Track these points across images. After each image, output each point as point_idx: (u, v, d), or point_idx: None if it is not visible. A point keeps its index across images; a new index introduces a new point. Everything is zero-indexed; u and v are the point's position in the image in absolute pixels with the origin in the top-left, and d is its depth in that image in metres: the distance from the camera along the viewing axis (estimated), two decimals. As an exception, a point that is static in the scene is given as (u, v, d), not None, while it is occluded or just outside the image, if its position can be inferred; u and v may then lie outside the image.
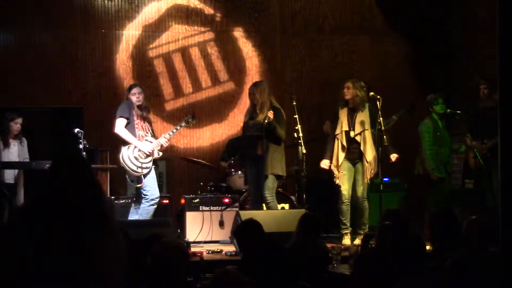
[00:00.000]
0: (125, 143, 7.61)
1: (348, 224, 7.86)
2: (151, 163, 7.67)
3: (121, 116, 7.60)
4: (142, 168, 7.62)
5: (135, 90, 7.70)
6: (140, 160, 7.62)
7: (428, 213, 8.19)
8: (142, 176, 7.65)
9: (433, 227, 4.98)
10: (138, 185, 7.65)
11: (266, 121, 7.55)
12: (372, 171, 7.78)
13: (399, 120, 8.57)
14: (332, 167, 7.87)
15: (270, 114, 7.56)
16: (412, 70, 10.12)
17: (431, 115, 8.36)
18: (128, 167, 7.58)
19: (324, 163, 7.94)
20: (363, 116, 7.82)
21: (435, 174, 8.26)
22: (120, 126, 7.60)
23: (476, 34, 9.38)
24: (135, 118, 7.65)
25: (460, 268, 3.39)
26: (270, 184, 7.72)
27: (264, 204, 7.84)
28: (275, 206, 7.81)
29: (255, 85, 7.94)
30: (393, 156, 7.89)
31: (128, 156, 7.58)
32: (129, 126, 7.62)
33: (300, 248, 5.28)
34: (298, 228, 5.64)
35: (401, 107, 8.67)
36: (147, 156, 7.64)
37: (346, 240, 7.77)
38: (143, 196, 7.61)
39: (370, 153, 7.76)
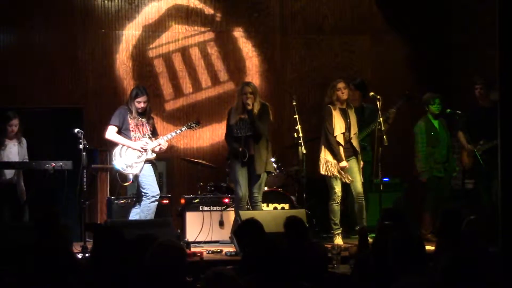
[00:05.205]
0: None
1: (339, 224, 7.87)
2: (142, 163, 7.66)
3: (112, 124, 7.70)
4: (131, 167, 7.64)
5: (140, 99, 7.66)
6: (131, 159, 7.63)
7: (430, 212, 8.21)
8: (131, 174, 7.68)
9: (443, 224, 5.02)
10: (125, 184, 7.76)
11: (249, 107, 7.49)
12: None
13: (398, 112, 8.57)
14: (334, 169, 7.84)
15: (251, 102, 7.53)
16: (412, 70, 10.11)
17: (426, 115, 8.37)
18: (116, 165, 7.66)
19: (343, 164, 7.79)
20: (353, 116, 7.93)
21: (424, 177, 8.28)
22: (110, 133, 7.71)
23: (476, 34, 9.38)
24: (131, 122, 7.68)
25: (459, 268, 3.39)
26: (262, 184, 7.73)
27: (250, 203, 7.74)
28: (260, 207, 7.79)
29: (248, 84, 7.81)
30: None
31: (119, 154, 7.65)
32: (124, 129, 7.70)
33: (289, 251, 5.24)
34: (284, 232, 5.58)
35: (398, 99, 8.67)
36: (139, 155, 7.64)
37: (338, 240, 7.76)
38: (143, 194, 7.64)
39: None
